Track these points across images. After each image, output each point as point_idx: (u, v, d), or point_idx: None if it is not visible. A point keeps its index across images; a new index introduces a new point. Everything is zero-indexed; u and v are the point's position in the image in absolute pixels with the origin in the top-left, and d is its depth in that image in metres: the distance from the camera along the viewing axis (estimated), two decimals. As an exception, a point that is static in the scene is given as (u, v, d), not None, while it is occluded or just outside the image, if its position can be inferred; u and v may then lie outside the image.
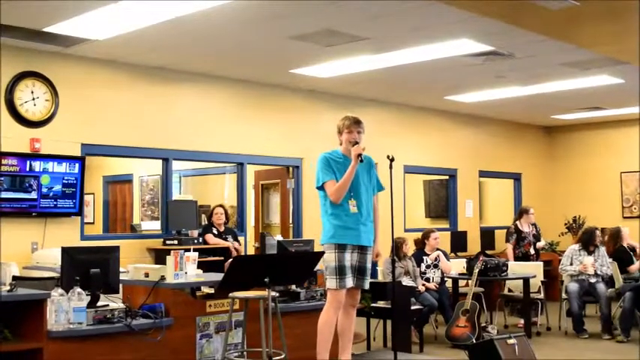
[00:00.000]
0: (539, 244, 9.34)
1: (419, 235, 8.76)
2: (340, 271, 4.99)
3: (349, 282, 5.03)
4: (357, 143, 5.10)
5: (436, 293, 8.06)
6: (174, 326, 4.92)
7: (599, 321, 8.17)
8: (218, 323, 5.23)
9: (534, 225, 9.25)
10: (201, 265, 5.88)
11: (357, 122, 5.19)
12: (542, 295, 8.55)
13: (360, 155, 5.02)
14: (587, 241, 8.45)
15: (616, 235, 9.04)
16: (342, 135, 5.21)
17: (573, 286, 8.23)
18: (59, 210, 7.16)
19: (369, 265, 5.19)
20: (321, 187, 5.13)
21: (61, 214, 7.20)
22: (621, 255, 8.79)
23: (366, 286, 5.20)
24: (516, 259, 9.02)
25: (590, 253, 8.36)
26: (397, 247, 7.61)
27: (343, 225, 5.05)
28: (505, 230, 9.67)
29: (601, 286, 8.18)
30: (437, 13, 6.07)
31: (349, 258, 5.04)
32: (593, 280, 8.24)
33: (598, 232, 8.52)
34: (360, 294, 5.28)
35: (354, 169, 5.02)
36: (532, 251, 9.08)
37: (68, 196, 7.22)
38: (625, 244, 8.93)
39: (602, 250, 8.49)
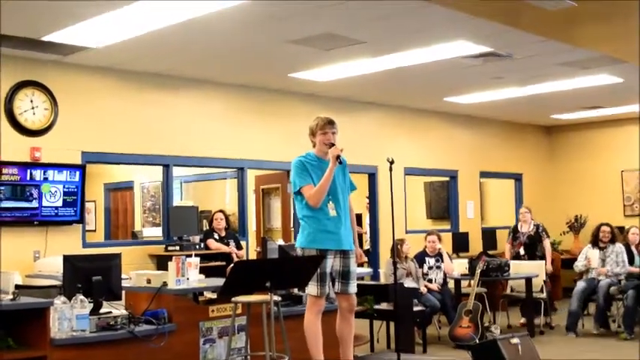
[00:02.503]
0: (549, 268, 8.83)
1: (421, 236, 8.79)
2: (322, 278, 4.87)
3: (327, 289, 4.93)
4: (332, 144, 4.96)
5: (439, 294, 8.07)
6: (177, 332, 4.92)
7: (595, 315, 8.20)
8: (221, 328, 5.24)
9: (537, 225, 9.19)
10: (203, 271, 5.87)
11: (330, 122, 5.04)
12: (544, 295, 8.54)
13: (338, 157, 4.87)
14: (594, 238, 8.50)
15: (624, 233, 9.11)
16: (315, 137, 5.08)
17: (580, 285, 8.22)
18: (60, 218, 7.17)
19: (353, 269, 5.05)
20: (298, 192, 4.99)
21: (62, 222, 7.20)
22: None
23: (352, 291, 5.04)
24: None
25: (600, 249, 8.39)
26: (396, 248, 7.60)
27: (324, 229, 4.92)
28: (506, 230, 9.68)
29: (604, 281, 8.13)
30: (435, 15, 6.08)
31: (330, 264, 4.94)
32: (602, 280, 8.20)
33: (604, 227, 8.47)
34: (355, 298, 5.11)
35: (333, 172, 4.88)
36: (522, 252, 9.06)
37: (69, 204, 7.23)
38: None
39: (617, 246, 8.38)
